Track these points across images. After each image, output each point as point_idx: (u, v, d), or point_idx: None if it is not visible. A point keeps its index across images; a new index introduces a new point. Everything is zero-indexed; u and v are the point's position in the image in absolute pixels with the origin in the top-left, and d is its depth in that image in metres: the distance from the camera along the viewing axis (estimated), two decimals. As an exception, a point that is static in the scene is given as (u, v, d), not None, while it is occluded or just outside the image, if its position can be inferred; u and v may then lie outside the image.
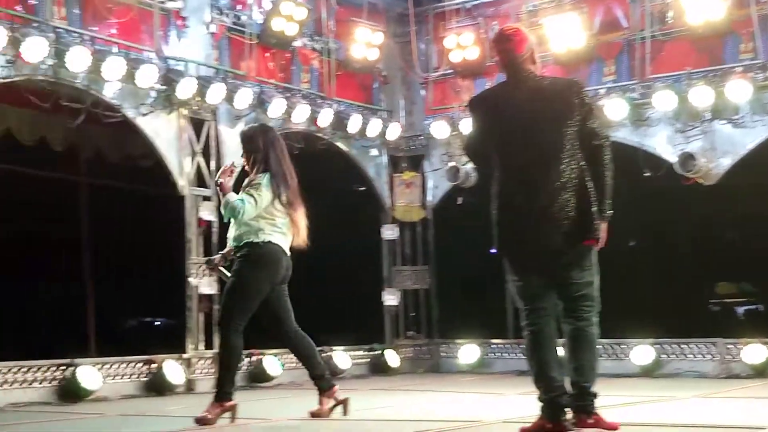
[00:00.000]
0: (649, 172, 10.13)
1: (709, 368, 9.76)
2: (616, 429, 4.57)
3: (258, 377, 9.53)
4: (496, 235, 4.93)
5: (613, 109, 10.19)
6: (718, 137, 9.90)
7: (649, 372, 9.90)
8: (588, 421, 4.56)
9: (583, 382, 4.62)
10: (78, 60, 8.12)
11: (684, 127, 10.05)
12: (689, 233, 11.41)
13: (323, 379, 6.22)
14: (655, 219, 11.40)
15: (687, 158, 9.82)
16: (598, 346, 5.15)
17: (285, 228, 6.15)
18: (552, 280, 4.79)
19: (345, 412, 6.16)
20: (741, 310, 12.68)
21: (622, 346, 10.28)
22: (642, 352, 10.03)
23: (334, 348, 10.51)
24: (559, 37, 10.59)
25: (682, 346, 10.01)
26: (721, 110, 9.82)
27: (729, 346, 9.72)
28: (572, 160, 4.63)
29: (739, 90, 9.53)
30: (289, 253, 6.26)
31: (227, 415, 5.90)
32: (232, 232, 6.10)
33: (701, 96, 9.73)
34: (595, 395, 4.64)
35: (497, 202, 4.91)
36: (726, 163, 9.85)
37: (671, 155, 10.03)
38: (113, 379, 8.39)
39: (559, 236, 4.65)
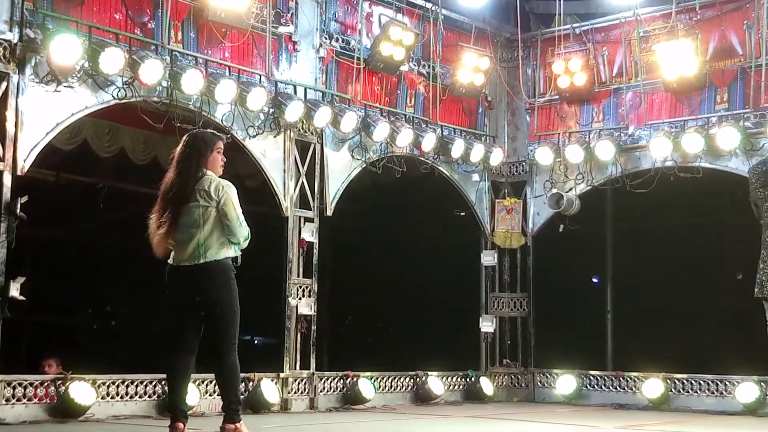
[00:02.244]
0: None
1: (818, 408, 9.56)
2: None
3: (353, 399, 9.62)
4: None
5: (725, 138, 10.06)
6: (836, 170, 9.74)
7: (754, 410, 9.68)
8: None
9: None
10: (192, 82, 8.30)
11: (800, 158, 9.93)
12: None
13: None
14: (765, 252, 11.19)
15: (801, 191, 9.70)
16: None
17: None
18: None
19: None
20: None
21: (726, 383, 10.10)
22: (746, 389, 9.82)
23: (429, 372, 10.52)
24: (671, 63, 10.47)
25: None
26: (842, 141, 9.67)
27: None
28: None
29: None
30: (176, 265, 5.77)
31: None
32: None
33: (821, 125, 9.60)
34: None
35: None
36: None
37: (785, 187, 9.90)
38: (211, 395, 8.44)
39: None
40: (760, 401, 9.76)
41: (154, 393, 8.26)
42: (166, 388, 6.21)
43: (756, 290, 6.00)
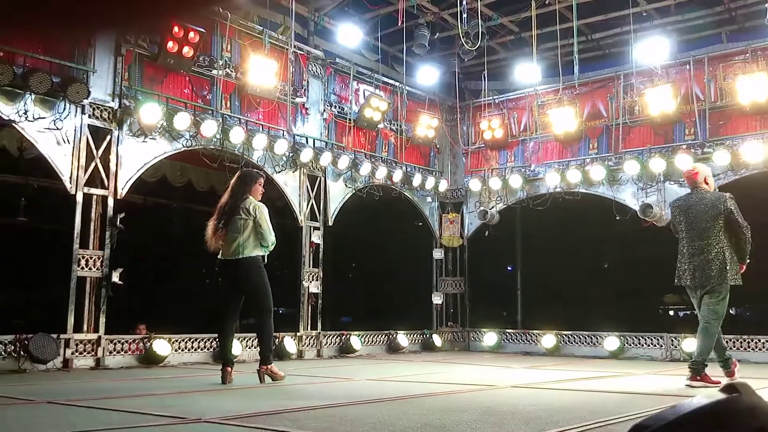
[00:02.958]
0: (619, 217, 10.04)
1: (657, 354, 9.64)
2: None
3: (346, 350, 9.67)
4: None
5: (596, 172, 10.16)
6: (668, 192, 9.74)
7: (616, 355, 9.81)
8: None
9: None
10: (237, 135, 8.43)
11: (644, 185, 9.96)
12: (646, 259, 11.25)
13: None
14: (622, 249, 11.30)
15: (646, 207, 9.73)
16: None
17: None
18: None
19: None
20: (681, 314, 12.44)
21: (597, 336, 10.19)
22: (611, 341, 9.94)
23: (398, 331, 10.57)
24: (559, 122, 10.56)
25: (640, 337, 9.87)
26: (671, 174, 9.72)
27: (672, 339, 9.60)
28: (718, 238, 5.71)
29: (683, 160, 9.43)
30: (223, 259, 5.80)
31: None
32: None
33: (657, 164, 9.67)
34: None
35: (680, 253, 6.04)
36: (673, 212, 9.78)
37: (635, 205, 9.94)
38: (250, 348, 8.52)
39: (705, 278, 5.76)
40: (620, 349, 9.87)
41: (210, 347, 8.29)
42: (218, 343, 6.19)
43: (675, 280, 5.99)
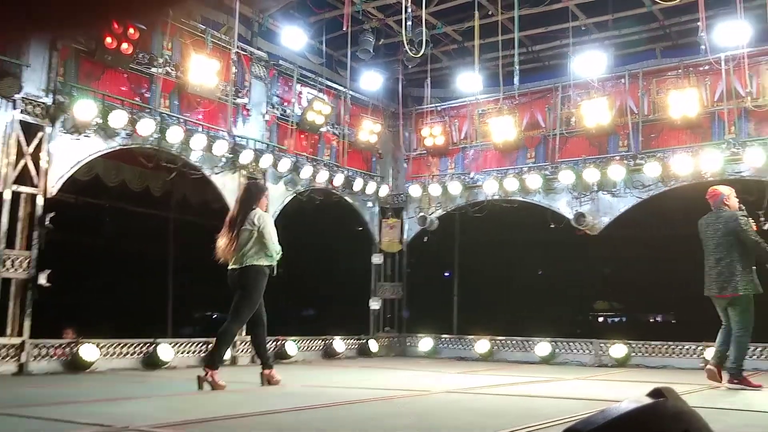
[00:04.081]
0: (553, 225, 10.19)
1: (587, 359, 9.81)
2: None
3: (281, 356, 9.51)
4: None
5: (533, 181, 10.31)
6: (602, 202, 10.00)
7: (547, 361, 9.96)
8: None
9: None
10: (174, 135, 8.21)
11: (579, 195, 10.14)
12: (579, 267, 11.51)
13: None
14: (556, 257, 11.50)
15: (580, 216, 9.93)
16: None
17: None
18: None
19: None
20: (610, 320, 12.77)
21: (529, 342, 10.32)
22: (543, 347, 10.09)
23: (334, 337, 10.47)
24: (499, 131, 10.65)
25: (570, 343, 10.05)
26: (604, 184, 9.93)
27: (601, 345, 9.78)
28: (729, 251, 6.19)
29: (616, 171, 9.68)
30: (232, 268, 5.94)
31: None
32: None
33: (591, 174, 9.85)
34: None
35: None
36: (606, 220, 9.94)
37: (569, 214, 10.12)
38: (182, 354, 8.35)
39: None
40: (552, 354, 10.04)
41: (141, 352, 8.03)
42: (256, 351, 6.26)
43: (705, 290, 6.48)
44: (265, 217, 5.92)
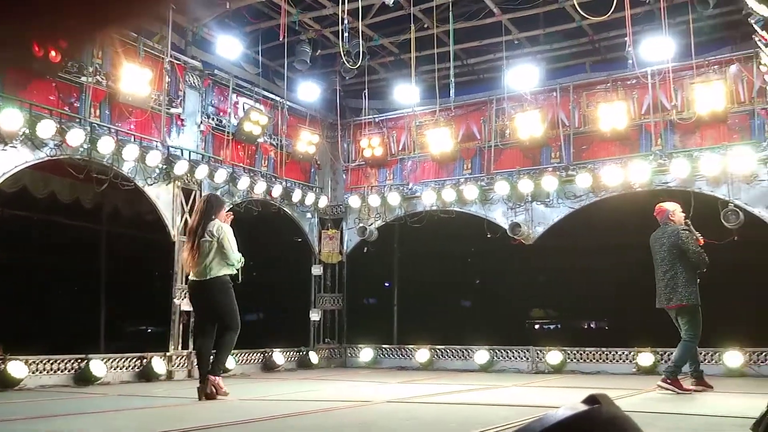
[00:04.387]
0: (490, 235, 10.32)
1: (524, 366, 9.96)
2: None
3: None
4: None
5: (469, 192, 10.41)
6: (536, 212, 10.19)
7: (486, 368, 10.08)
8: None
9: None
10: (106, 145, 7.98)
11: (514, 205, 10.31)
12: (515, 275, 11.70)
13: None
14: (493, 266, 11.68)
15: (515, 226, 10.08)
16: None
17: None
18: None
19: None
20: (546, 327, 13.02)
21: (468, 350, 10.41)
22: (481, 355, 10.19)
23: (274, 349, 10.34)
24: (436, 143, 10.75)
25: (507, 350, 10.18)
26: (538, 195, 10.13)
27: (538, 352, 9.93)
28: (672, 264, 6.47)
29: (549, 182, 9.89)
30: (194, 279, 6.06)
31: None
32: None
33: (525, 185, 10.02)
34: None
35: None
36: (540, 230, 10.13)
37: (505, 223, 10.26)
38: (115, 369, 8.14)
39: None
40: (490, 362, 10.16)
41: (72, 368, 7.77)
42: (195, 359, 6.36)
43: (656, 302, 6.68)
44: (225, 228, 5.99)
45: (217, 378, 5.92)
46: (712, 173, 9.01)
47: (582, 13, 7.73)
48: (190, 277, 6.01)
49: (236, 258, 5.97)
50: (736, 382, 7.43)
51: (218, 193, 9.73)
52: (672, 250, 6.56)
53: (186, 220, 9.22)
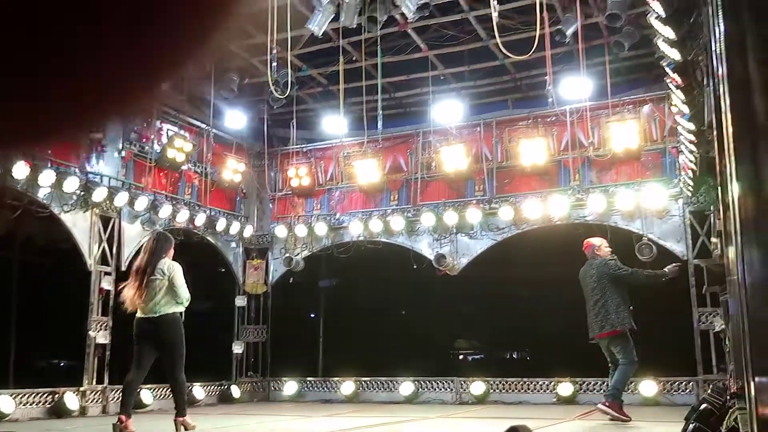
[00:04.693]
0: (416, 265, 10.41)
1: (448, 397, 9.97)
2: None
3: (136, 405, 8.97)
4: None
5: (396, 223, 10.50)
6: (460, 244, 10.35)
7: (411, 400, 10.04)
8: None
9: None
10: (20, 171, 7.69)
11: (439, 236, 10.44)
12: (441, 306, 11.79)
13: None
14: (419, 297, 11.73)
15: (440, 257, 10.19)
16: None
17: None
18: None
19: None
20: (470, 358, 13.14)
21: (393, 382, 10.37)
22: (406, 386, 10.16)
23: (193, 383, 9.90)
24: (364, 174, 10.83)
25: (432, 381, 10.18)
26: (462, 226, 10.29)
27: (462, 382, 9.98)
28: (603, 293, 6.66)
29: (473, 214, 10.06)
30: (142, 317, 6.00)
31: None
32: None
33: (450, 217, 10.16)
34: None
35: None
36: (464, 261, 10.28)
37: (430, 254, 10.37)
38: (24, 405, 7.73)
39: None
40: (415, 394, 10.13)
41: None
42: (122, 393, 6.11)
43: (589, 333, 6.84)
44: (174, 266, 6.04)
45: (185, 418, 5.95)
46: (627, 208, 9.40)
47: (505, 51, 7.97)
48: (138, 315, 5.97)
49: (186, 297, 6.02)
50: (651, 411, 7.67)
51: (140, 221, 9.51)
52: (601, 279, 6.77)
53: (104, 249, 8.93)
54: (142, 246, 6.37)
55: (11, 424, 7.14)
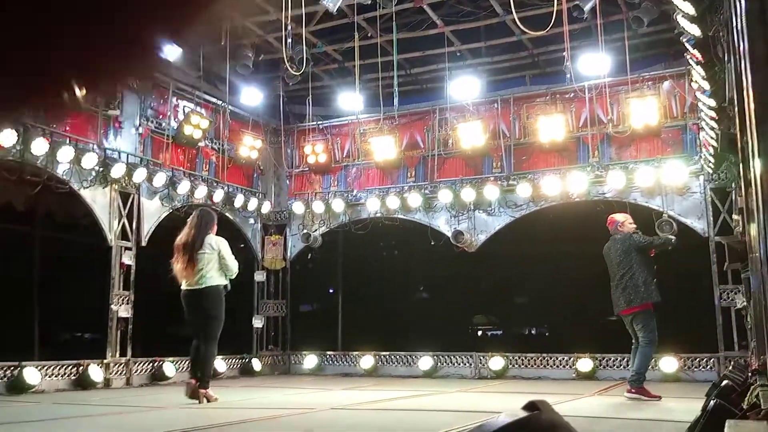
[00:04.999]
0: (433, 242, 10.45)
1: (467, 372, 10.07)
2: None
3: (159, 377, 9.18)
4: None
5: (413, 199, 10.55)
6: (478, 221, 10.38)
7: (430, 374, 10.14)
8: None
9: None
10: (39, 147, 7.81)
11: (457, 213, 10.47)
12: (458, 282, 11.82)
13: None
14: (437, 273, 11.78)
15: (458, 234, 10.24)
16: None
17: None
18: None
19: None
20: (489, 333, 13.19)
21: (413, 357, 10.47)
22: (425, 361, 10.26)
23: (217, 357, 10.19)
24: (380, 150, 10.85)
25: (451, 356, 10.28)
26: (480, 203, 10.31)
27: (480, 357, 10.07)
28: (629, 267, 6.59)
29: (491, 191, 10.09)
30: (189, 288, 6.32)
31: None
32: None
33: (468, 194, 10.20)
34: None
35: None
36: (482, 238, 10.30)
37: (448, 231, 10.41)
38: (50, 377, 7.95)
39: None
40: (434, 368, 10.23)
41: (4, 376, 7.55)
42: (190, 362, 6.55)
43: (614, 310, 6.80)
44: (222, 241, 6.39)
45: (207, 390, 6.20)
46: (647, 185, 9.35)
47: (522, 27, 7.88)
48: (183, 287, 6.30)
49: (235, 269, 6.40)
50: (672, 387, 7.69)
51: (158, 196, 9.61)
52: (628, 254, 6.68)
53: (124, 225, 9.06)
54: (186, 222, 6.63)
55: (37, 395, 7.33)
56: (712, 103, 5.76)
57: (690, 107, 9.22)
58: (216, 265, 6.26)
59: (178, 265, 6.26)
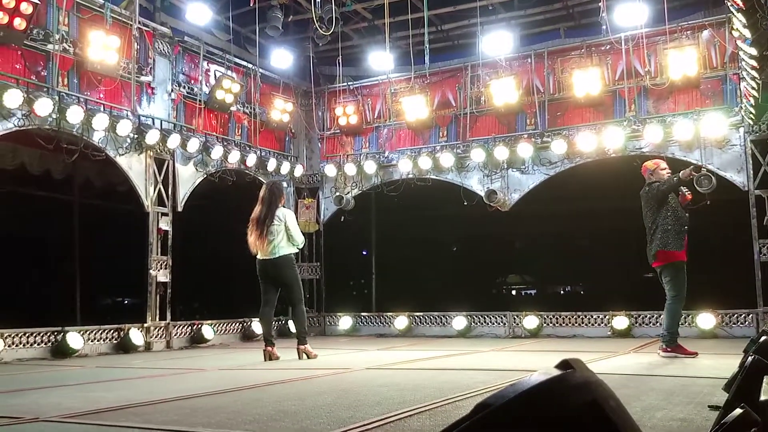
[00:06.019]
0: (466, 202, 10.44)
1: (501, 331, 10.12)
2: None
3: (198, 340, 9.41)
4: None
5: (445, 159, 10.49)
6: (511, 179, 10.30)
7: (464, 334, 10.22)
8: None
9: None
10: (75, 115, 7.88)
11: (490, 172, 10.41)
12: (492, 242, 11.81)
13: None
14: (470, 233, 11.77)
15: (491, 193, 10.20)
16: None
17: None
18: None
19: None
20: (523, 293, 13.19)
21: (446, 317, 10.54)
22: (459, 321, 10.33)
23: (253, 318, 10.26)
24: (412, 110, 10.78)
25: (485, 316, 10.32)
26: (513, 162, 10.23)
27: (514, 317, 10.10)
28: (654, 219, 6.37)
29: (524, 149, 9.98)
30: (263, 258, 6.86)
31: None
32: None
33: (501, 152, 10.11)
34: None
35: None
36: (516, 197, 10.24)
37: (481, 191, 10.37)
38: (93, 341, 8.16)
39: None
40: (468, 328, 10.31)
41: (48, 341, 7.75)
42: (262, 327, 7.21)
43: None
44: (288, 213, 6.95)
45: (306, 346, 6.83)
46: (685, 138, 9.14)
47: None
48: (259, 257, 6.85)
49: (302, 240, 6.96)
50: (708, 344, 7.63)
51: (193, 162, 9.71)
52: (649, 205, 6.43)
53: (160, 191, 9.18)
54: (258, 196, 7.02)
55: (81, 359, 7.57)
56: (754, 51, 5.56)
57: (730, 57, 8.93)
58: (285, 236, 6.80)
59: (252, 238, 6.81)
